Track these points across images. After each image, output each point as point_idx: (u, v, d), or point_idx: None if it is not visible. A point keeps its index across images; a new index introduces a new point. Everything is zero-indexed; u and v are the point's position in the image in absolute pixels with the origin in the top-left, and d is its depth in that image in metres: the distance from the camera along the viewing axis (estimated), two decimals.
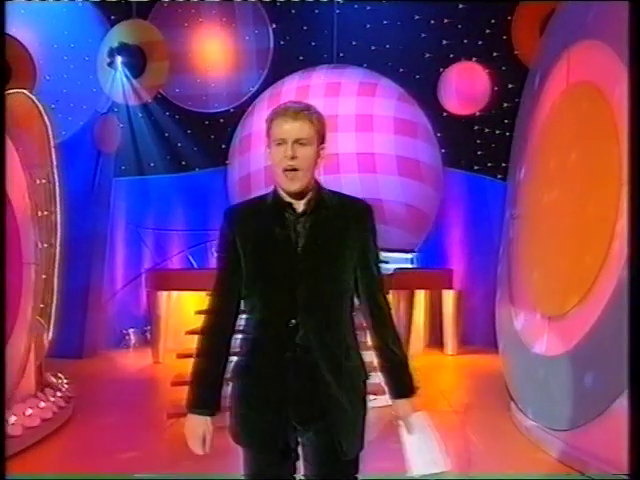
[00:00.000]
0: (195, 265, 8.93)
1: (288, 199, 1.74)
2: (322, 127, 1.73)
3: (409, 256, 8.52)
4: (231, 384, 1.79)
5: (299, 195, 1.73)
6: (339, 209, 1.76)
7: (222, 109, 9.03)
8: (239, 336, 1.81)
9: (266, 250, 1.73)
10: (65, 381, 5.27)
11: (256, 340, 1.74)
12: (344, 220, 1.75)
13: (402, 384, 1.80)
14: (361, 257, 1.76)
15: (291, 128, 1.68)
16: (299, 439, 1.74)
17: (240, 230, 1.75)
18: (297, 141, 1.69)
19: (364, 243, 1.76)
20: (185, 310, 7.30)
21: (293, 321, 1.68)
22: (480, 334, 7.78)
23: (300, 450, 1.76)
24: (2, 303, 3.84)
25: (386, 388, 1.82)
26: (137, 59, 8.43)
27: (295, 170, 1.69)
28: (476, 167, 8.66)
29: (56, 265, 5.18)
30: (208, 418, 1.75)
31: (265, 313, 1.73)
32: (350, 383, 1.73)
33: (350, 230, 1.75)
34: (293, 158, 1.68)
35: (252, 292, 1.74)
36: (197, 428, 1.75)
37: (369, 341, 1.85)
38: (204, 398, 1.75)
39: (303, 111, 1.71)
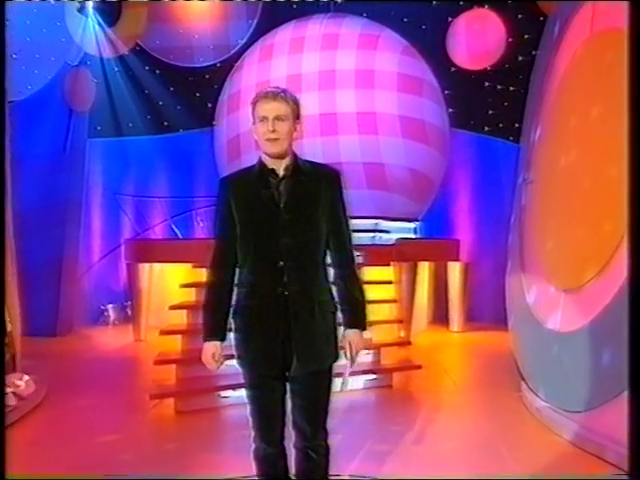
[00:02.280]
0: (179, 235, 8.91)
1: (271, 165, 2.33)
2: (297, 107, 2.33)
3: (412, 225, 8.51)
4: (234, 323, 2.36)
5: (279, 157, 2.32)
6: (312, 174, 2.36)
7: (208, 63, 8.89)
8: (235, 288, 2.35)
9: (255, 207, 2.33)
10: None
11: (252, 282, 2.33)
12: (317, 183, 2.35)
13: (355, 317, 2.38)
14: (330, 213, 2.35)
15: (271, 107, 2.28)
16: (287, 357, 2.30)
17: (234, 194, 2.36)
18: (276, 117, 2.27)
19: (333, 202, 2.36)
20: (168, 284, 7.29)
21: (281, 263, 2.28)
22: (488, 309, 7.81)
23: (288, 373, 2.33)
24: (2, 303, 3.96)
25: (341, 320, 2.38)
26: (111, 4, 8.23)
27: (275, 139, 2.29)
28: (486, 128, 8.58)
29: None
30: (218, 343, 2.37)
31: (258, 258, 2.32)
32: (322, 311, 2.33)
33: (321, 190, 2.34)
34: (274, 131, 2.28)
35: (247, 243, 2.32)
36: (209, 350, 2.36)
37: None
38: (212, 330, 2.37)
39: (280, 94, 2.31)
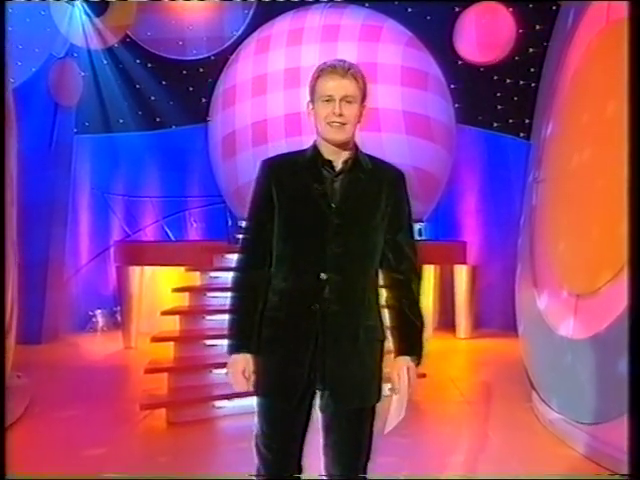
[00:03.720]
0: (172, 237, 8.89)
1: (328, 155, 2.05)
2: (365, 86, 2.06)
3: (417, 226, 8.49)
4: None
5: (342, 147, 2.04)
6: (374, 172, 2.08)
7: (202, 56, 8.88)
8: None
9: (302, 203, 2.04)
10: None
11: (285, 291, 2.05)
12: (378, 183, 2.07)
13: (409, 344, 2.08)
14: (392, 222, 2.07)
15: (339, 85, 2.00)
16: (317, 390, 2.04)
17: (277, 181, 2.07)
18: (344, 98, 2.00)
19: (396, 209, 2.08)
20: (160, 288, 7.29)
21: (324, 275, 2.00)
22: (497, 315, 7.80)
23: (318, 400, 2.07)
24: (2, 302, 3.99)
25: (393, 347, 2.09)
26: None
27: (342, 124, 2.01)
28: (495, 124, 8.57)
29: None
30: (248, 355, 2.06)
31: (296, 265, 2.05)
32: (368, 338, 2.05)
33: (383, 194, 2.07)
34: (341, 115, 2.00)
35: (285, 243, 2.05)
36: (237, 364, 2.05)
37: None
38: (242, 341, 2.07)
39: (351, 69, 2.03)
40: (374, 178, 2.06)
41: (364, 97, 2.06)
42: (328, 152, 2.05)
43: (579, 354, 4.05)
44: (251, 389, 2.07)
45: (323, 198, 2.01)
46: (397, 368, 2.05)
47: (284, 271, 2.05)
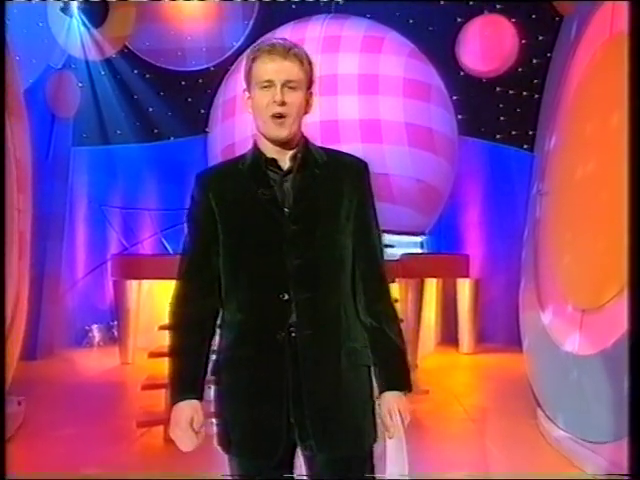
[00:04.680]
0: (170, 250, 8.88)
1: (271, 154, 1.76)
2: (311, 69, 1.77)
3: (419, 239, 8.49)
4: (214, 384, 1.80)
5: (286, 143, 1.75)
6: (331, 165, 1.79)
7: (201, 67, 8.93)
8: (217, 330, 1.82)
9: (248, 214, 1.74)
10: None
11: (241, 324, 1.73)
12: (337, 178, 1.78)
13: (394, 375, 1.79)
14: (357, 221, 1.78)
15: (280, 68, 1.70)
16: (298, 440, 1.71)
17: (216, 194, 1.77)
18: (286, 84, 1.71)
19: (360, 205, 1.79)
20: (158, 302, 7.26)
21: (285, 295, 1.69)
22: (501, 330, 7.78)
23: (300, 451, 1.76)
24: (2, 303, 3.99)
25: (374, 379, 1.80)
26: (97, 4, 8.27)
27: (283, 117, 1.71)
28: (498, 135, 8.60)
29: None
30: (195, 402, 1.73)
31: (250, 289, 1.72)
32: (353, 365, 1.74)
33: (344, 189, 1.77)
34: (283, 104, 1.70)
35: (233, 266, 1.74)
36: (183, 413, 1.71)
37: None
38: (187, 385, 1.75)
39: (293, 49, 1.73)
40: (332, 172, 1.78)
41: (310, 83, 1.77)
42: (271, 150, 1.75)
43: (585, 370, 4.04)
44: (198, 443, 1.73)
45: (273, 203, 1.72)
46: (387, 407, 1.74)
47: (238, 300, 1.73)
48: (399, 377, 1.79)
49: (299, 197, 1.73)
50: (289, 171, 1.76)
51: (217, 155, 8.53)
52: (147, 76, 8.92)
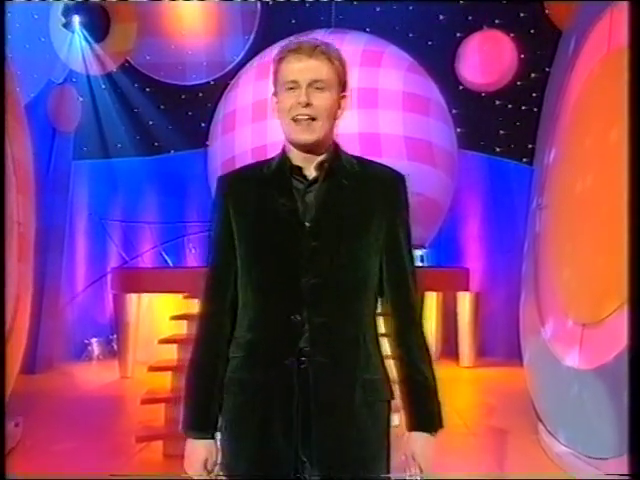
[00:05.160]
0: (170, 263, 8.88)
1: (298, 161, 1.63)
2: (343, 69, 1.64)
3: (419, 252, 8.48)
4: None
5: (314, 149, 1.61)
6: (362, 176, 1.64)
7: (201, 81, 8.96)
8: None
9: (265, 225, 1.61)
10: None
11: (251, 344, 1.61)
12: (368, 191, 1.63)
13: (424, 414, 1.66)
14: (388, 239, 1.62)
15: (306, 67, 1.58)
16: (306, 472, 1.59)
17: (236, 199, 1.64)
18: (313, 84, 1.58)
19: (393, 221, 1.63)
20: (158, 316, 7.25)
21: (297, 317, 1.56)
22: (501, 343, 7.76)
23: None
24: (2, 303, 3.98)
25: (403, 414, 1.67)
26: (99, 19, 8.33)
27: (309, 119, 1.58)
28: (498, 149, 8.63)
29: None
30: (211, 442, 1.64)
31: (262, 308, 1.60)
32: (368, 399, 1.60)
33: (375, 204, 1.62)
34: (308, 105, 1.57)
35: (246, 279, 1.62)
36: (198, 454, 1.63)
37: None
38: (203, 420, 1.65)
39: (320, 47, 1.60)
40: (362, 183, 1.63)
41: (344, 85, 1.63)
42: (298, 156, 1.62)
43: (586, 385, 4.02)
44: None
45: (293, 215, 1.58)
46: (412, 449, 1.62)
47: (249, 318, 1.62)
48: (430, 417, 1.67)
49: (322, 210, 1.59)
50: (315, 180, 1.62)
51: (217, 168, 8.54)
52: (147, 90, 8.95)
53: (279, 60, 1.62)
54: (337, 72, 1.61)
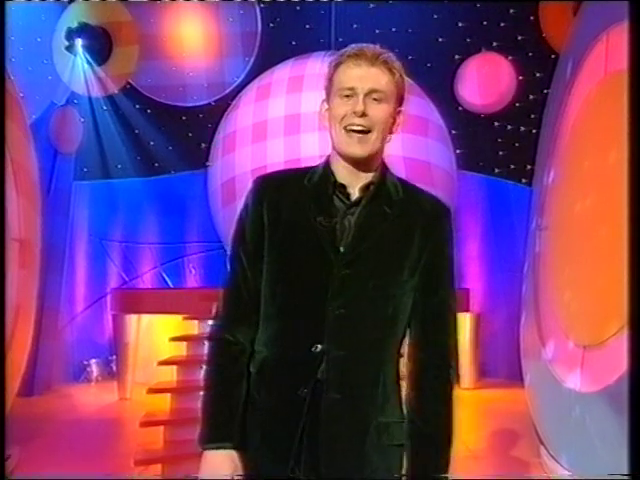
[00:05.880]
0: (170, 284, 8.87)
1: (342, 178, 1.52)
2: (403, 82, 1.58)
3: None
4: None
5: (364, 165, 1.51)
6: (406, 205, 1.54)
7: (202, 102, 9.02)
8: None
9: (299, 242, 1.50)
10: None
11: (266, 362, 1.52)
12: (411, 221, 1.53)
13: (432, 460, 1.53)
14: (425, 275, 1.51)
15: (366, 75, 1.49)
16: None
17: (271, 206, 1.53)
18: (371, 93, 1.50)
19: (432, 256, 1.52)
20: (157, 337, 7.23)
21: (318, 347, 1.46)
22: (502, 364, 7.73)
23: None
24: (2, 304, 4.01)
25: (404, 458, 1.54)
26: (101, 42, 8.42)
27: (363, 132, 1.48)
28: (497, 170, 8.66)
29: None
30: (234, 452, 1.48)
31: (282, 328, 1.50)
32: (380, 444, 1.50)
33: (415, 236, 1.52)
34: (364, 115, 1.48)
35: (270, 294, 1.52)
36: (223, 464, 1.47)
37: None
38: (226, 425, 1.50)
39: (382, 55, 1.53)
40: (406, 213, 1.53)
41: (401, 99, 1.57)
42: (343, 173, 1.52)
43: (588, 408, 4.00)
44: None
45: (329, 237, 1.48)
46: None
47: (268, 334, 1.52)
48: (437, 465, 1.54)
49: (360, 237, 1.49)
50: (357, 202, 1.52)
51: (217, 189, 8.57)
52: (148, 111, 9.00)
53: (336, 65, 1.54)
54: (397, 84, 1.55)
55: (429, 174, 8.18)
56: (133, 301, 7.55)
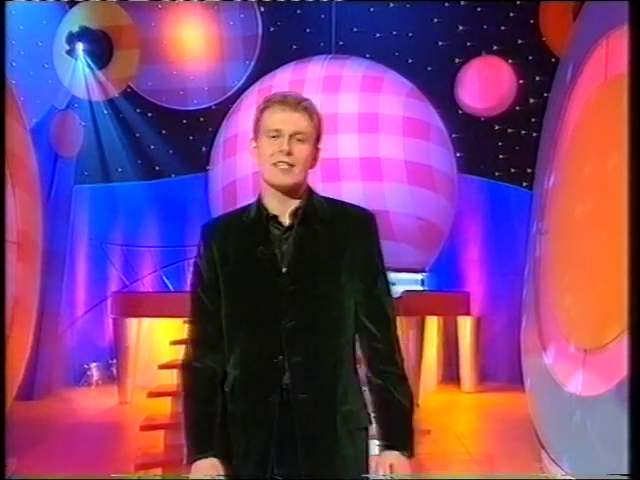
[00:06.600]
0: (170, 287, 8.87)
1: (274, 209, 1.76)
2: (320, 124, 1.78)
3: (419, 277, 8.48)
4: None
5: (291, 194, 1.74)
6: (334, 219, 1.77)
7: (203, 106, 9.04)
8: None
9: (247, 272, 1.75)
10: None
11: (236, 380, 1.75)
12: (339, 233, 1.76)
13: (398, 433, 1.76)
14: (362, 277, 1.75)
15: (289, 119, 1.72)
16: None
17: (219, 248, 1.78)
18: (294, 135, 1.72)
19: (365, 260, 1.76)
20: (158, 340, 7.24)
21: (280, 357, 1.69)
22: (503, 368, 7.73)
23: None
24: (2, 304, 4.03)
25: (377, 434, 1.78)
26: (102, 46, 8.44)
27: (290, 165, 1.72)
28: (497, 173, 8.67)
29: None
30: (215, 460, 1.72)
31: (246, 348, 1.74)
32: (348, 429, 1.73)
33: (346, 245, 1.75)
34: (289, 154, 1.71)
35: (231, 322, 1.76)
36: (205, 472, 1.70)
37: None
38: (206, 440, 1.74)
39: (303, 102, 1.75)
40: (334, 226, 1.75)
41: (319, 138, 1.78)
42: (274, 204, 1.75)
43: (589, 412, 4.00)
44: None
45: (271, 262, 1.72)
46: (384, 466, 1.72)
47: (235, 355, 1.74)
48: (402, 437, 1.76)
49: (298, 256, 1.72)
50: (290, 227, 1.75)
51: (218, 192, 8.59)
52: (149, 115, 9.02)
53: (264, 109, 1.76)
54: (315, 127, 1.76)
55: (430, 177, 8.19)
56: (133, 304, 7.55)
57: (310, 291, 1.71)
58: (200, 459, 1.72)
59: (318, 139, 1.78)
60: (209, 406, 1.74)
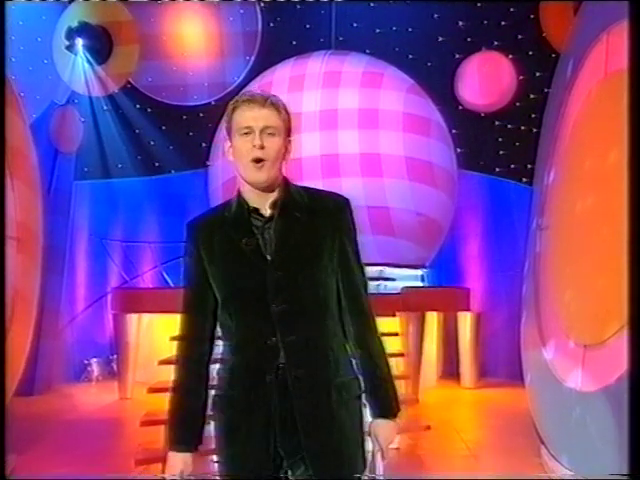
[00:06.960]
0: (170, 283, 8.87)
1: (254, 203, 1.86)
2: (289, 118, 1.88)
3: (420, 272, 8.49)
4: (214, 421, 1.92)
5: (267, 188, 1.84)
6: (312, 206, 1.88)
7: (202, 102, 9.03)
8: (217, 366, 1.94)
9: (234, 264, 1.85)
10: None
11: (234, 366, 1.86)
12: (317, 219, 1.87)
13: (383, 402, 1.91)
14: (340, 259, 1.88)
15: (259, 115, 1.81)
16: (289, 472, 1.86)
17: (205, 244, 1.88)
18: (264, 130, 1.81)
19: (342, 243, 1.88)
20: (158, 336, 7.23)
21: (272, 339, 1.80)
22: (503, 364, 7.73)
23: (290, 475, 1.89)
24: (2, 303, 4.05)
25: (366, 404, 1.93)
26: (101, 42, 8.44)
27: (262, 160, 1.81)
28: (497, 169, 8.67)
29: None
30: (188, 455, 1.89)
31: (241, 335, 1.85)
32: (342, 399, 1.85)
33: (325, 229, 1.86)
34: (262, 147, 1.80)
35: (225, 311, 1.87)
36: (175, 466, 1.88)
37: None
38: (182, 435, 1.89)
39: (270, 98, 1.85)
40: (312, 213, 1.86)
41: (289, 131, 1.87)
42: (253, 198, 1.85)
43: (588, 407, 4.00)
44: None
45: (256, 252, 1.82)
46: (375, 432, 1.88)
47: (231, 343, 1.86)
48: (387, 404, 1.90)
49: (281, 243, 1.83)
50: (271, 217, 1.85)
51: (218, 188, 8.59)
52: (149, 111, 9.02)
53: (233, 109, 1.85)
54: (284, 120, 1.86)
55: (430, 173, 8.19)
56: (133, 300, 7.55)
57: (295, 275, 1.82)
58: (175, 451, 1.88)
59: (288, 133, 1.87)
60: (193, 399, 1.88)
